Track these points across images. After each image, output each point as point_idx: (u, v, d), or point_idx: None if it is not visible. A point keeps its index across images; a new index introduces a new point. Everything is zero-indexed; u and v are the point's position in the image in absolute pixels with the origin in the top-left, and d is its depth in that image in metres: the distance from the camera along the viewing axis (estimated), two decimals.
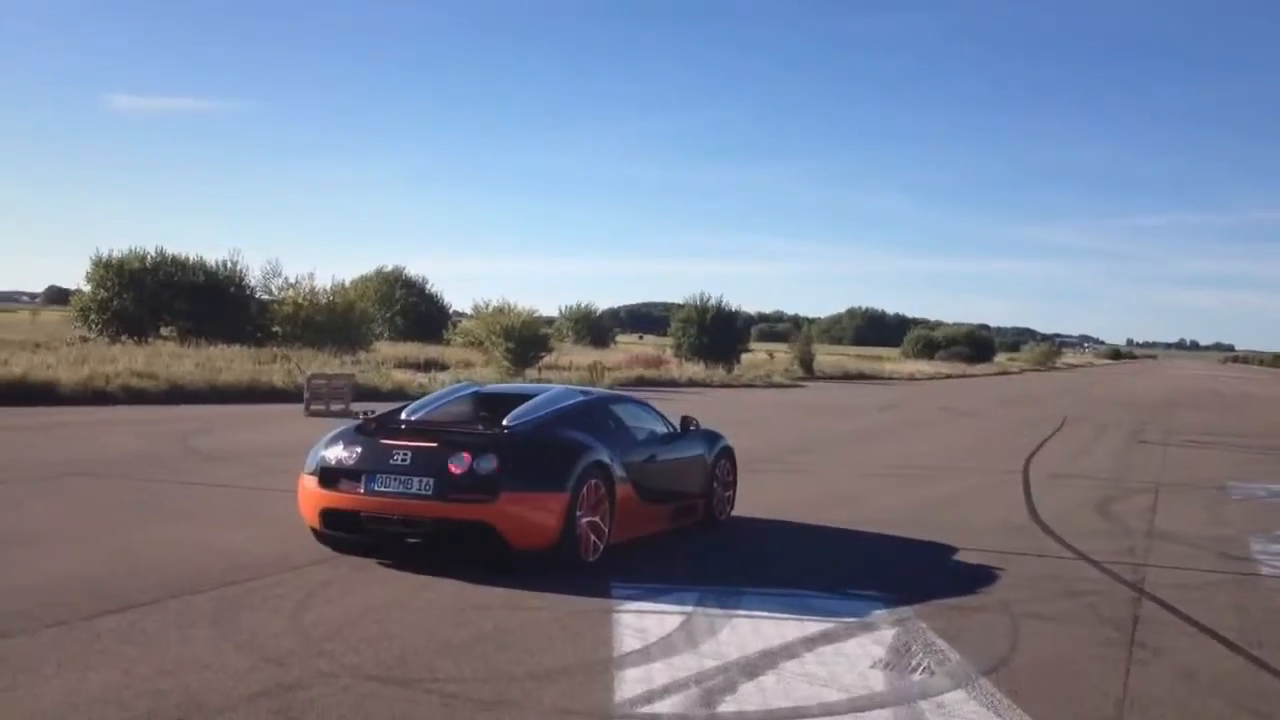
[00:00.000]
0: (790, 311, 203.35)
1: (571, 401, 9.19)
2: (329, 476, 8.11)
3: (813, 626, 6.76)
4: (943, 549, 9.83)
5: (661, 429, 10.05)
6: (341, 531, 8.11)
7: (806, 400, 36.16)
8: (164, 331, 42.51)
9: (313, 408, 21.63)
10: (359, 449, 8.12)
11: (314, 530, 8.35)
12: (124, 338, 39.60)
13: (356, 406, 22.46)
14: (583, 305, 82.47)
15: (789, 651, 6.21)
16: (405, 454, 7.92)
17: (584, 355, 52.96)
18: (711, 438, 10.76)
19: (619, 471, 8.63)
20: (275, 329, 42.28)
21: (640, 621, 6.74)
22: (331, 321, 42.29)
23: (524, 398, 9.11)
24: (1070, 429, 26.45)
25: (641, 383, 38.77)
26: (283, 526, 9.24)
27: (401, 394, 27.57)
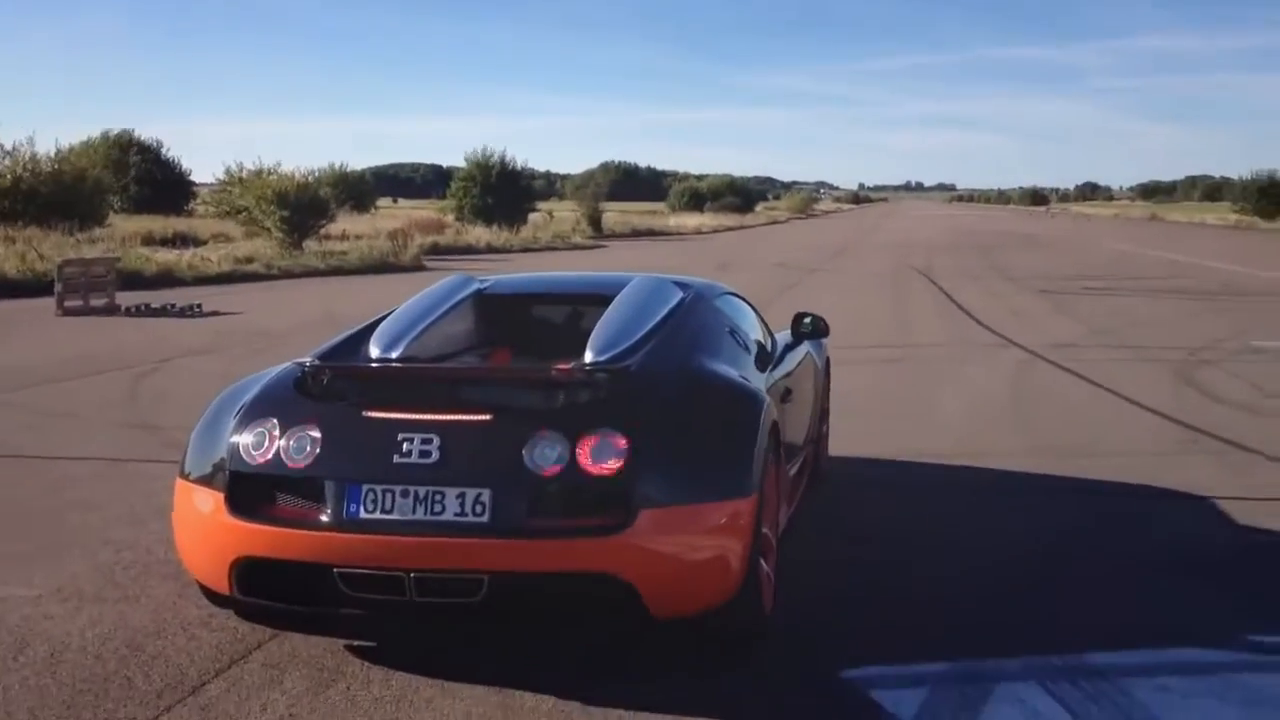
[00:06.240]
0: (541, 169, 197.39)
1: (676, 301, 4.92)
2: (250, 492, 3.91)
3: None
4: (1176, 502, 6.48)
5: (764, 337, 6.00)
6: (284, 601, 3.98)
7: (629, 261, 32.63)
8: None
9: (67, 304, 16.56)
10: (313, 430, 3.91)
11: (209, 593, 4.17)
12: None
13: (124, 299, 17.58)
14: (338, 167, 75.08)
15: None
16: (425, 438, 3.79)
17: (352, 223, 47.64)
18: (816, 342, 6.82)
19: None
20: None
21: None
22: (59, 194, 36.12)
23: (584, 299, 5.14)
24: (946, 282, 23.99)
25: (438, 251, 34.33)
26: (105, 549, 5.15)
27: (171, 278, 22.48)
